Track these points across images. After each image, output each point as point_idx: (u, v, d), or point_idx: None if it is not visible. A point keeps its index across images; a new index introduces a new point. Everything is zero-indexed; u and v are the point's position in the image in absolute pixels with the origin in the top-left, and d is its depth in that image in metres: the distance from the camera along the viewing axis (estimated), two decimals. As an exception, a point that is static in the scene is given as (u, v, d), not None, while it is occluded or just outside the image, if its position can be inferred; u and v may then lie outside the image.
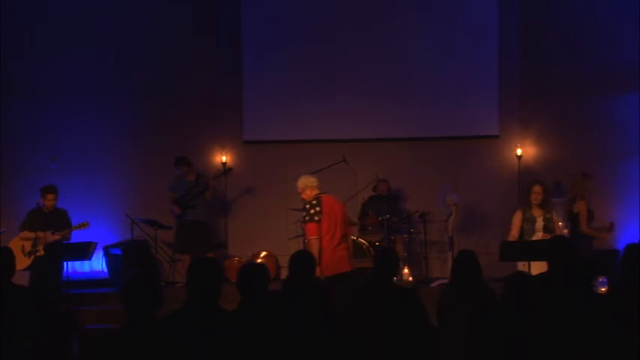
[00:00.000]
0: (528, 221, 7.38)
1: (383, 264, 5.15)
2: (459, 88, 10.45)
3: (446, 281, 9.31)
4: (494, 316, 4.33)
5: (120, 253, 9.68)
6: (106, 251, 9.84)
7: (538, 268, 6.36)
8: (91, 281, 9.72)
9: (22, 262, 8.18)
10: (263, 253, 9.93)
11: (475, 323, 4.38)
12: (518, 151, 10.25)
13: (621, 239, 9.76)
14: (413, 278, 9.25)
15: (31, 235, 8.38)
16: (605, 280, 7.04)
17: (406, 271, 9.09)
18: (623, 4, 10.16)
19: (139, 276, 3.60)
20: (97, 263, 9.85)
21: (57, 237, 8.44)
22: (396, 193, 10.18)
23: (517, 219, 7.50)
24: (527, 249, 6.98)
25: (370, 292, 4.90)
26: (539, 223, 7.38)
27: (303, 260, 5.16)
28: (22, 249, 8.29)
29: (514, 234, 7.50)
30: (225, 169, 10.18)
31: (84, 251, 8.26)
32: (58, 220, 8.58)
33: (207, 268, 3.89)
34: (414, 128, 10.52)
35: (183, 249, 9.66)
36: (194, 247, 9.42)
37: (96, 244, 8.57)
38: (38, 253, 8.31)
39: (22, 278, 7.85)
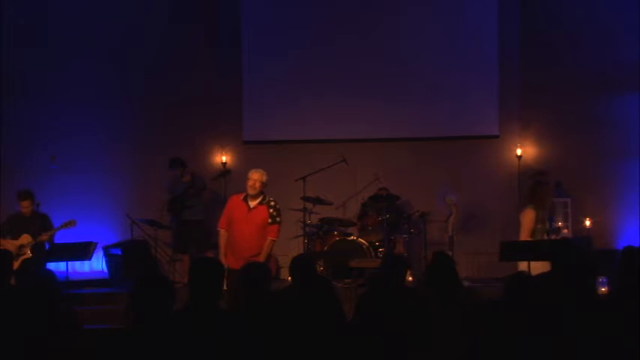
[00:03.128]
0: (541, 222, 7.26)
1: (390, 269, 5.11)
2: (459, 88, 10.45)
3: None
4: (475, 318, 4.32)
5: (120, 253, 9.68)
6: (106, 251, 9.84)
7: (538, 268, 6.32)
8: (91, 281, 9.71)
9: None
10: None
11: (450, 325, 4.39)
12: (518, 151, 10.25)
13: (621, 239, 9.78)
14: (413, 278, 9.24)
15: (5, 242, 8.34)
16: (605, 280, 7.06)
17: (406, 271, 9.08)
18: (623, 4, 10.16)
19: (153, 277, 3.62)
20: (97, 263, 9.86)
21: (43, 238, 8.41)
22: (395, 193, 10.17)
23: (531, 219, 7.08)
24: (527, 249, 6.95)
25: (375, 294, 4.90)
26: (546, 224, 7.29)
27: (305, 265, 5.16)
28: None
29: (528, 235, 7.03)
30: (224, 171, 10.15)
31: (84, 251, 8.25)
32: (40, 224, 8.51)
33: (208, 268, 3.89)
34: (414, 128, 10.52)
35: (183, 249, 9.66)
36: (193, 247, 9.42)
37: (96, 244, 8.56)
38: (25, 256, 8.28)
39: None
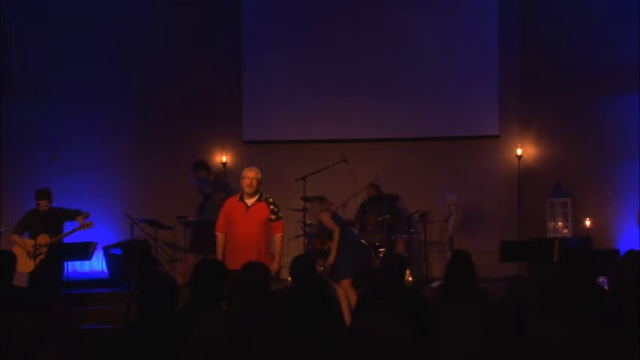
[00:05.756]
0: None
1: (390, 268, 5.13)
2: (459, 89, 10.45)
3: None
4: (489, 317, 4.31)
5: (120, 253, 9.68)
6: (106, 251, 9.84)
7: None
8: (91, 281, 9.72)
9: (27, 266, 8.16)
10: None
11: (469, 325, 4.37)
12: (518, 151, 10.25)
13: (621, 240, 9.77)
14: (413, 278, 9.25)
15: (19, 240, 8.35)
16: (604, 280, 7.05)
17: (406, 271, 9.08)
18: (622, 4, 10.15)
19: (159, 276, 3.64)
20: (97, 263, 9.85)
21: (57, 239, 8.41)
22: (395, 193, 10.17)
23: None
24: (527, 249, 6.96)
25: (376, 295, 4.90)
26: None
27: (305, 265, 5.17)
28: (26, 252, 8.26)
29: None
30: (212, 179, 10.07)
31: (84, 251, 8.26)
32: (57, 220, 8.53)
33: (210, 269, 3.89)
34: (414, 128, 10.52)
35: (193, 249, 9.58)
36: (202, 248, 9.36)
37: (96, 244, 8.56)
38: (43, 256, 8.27)
39: (23, 280, 7.86)
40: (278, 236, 7.24)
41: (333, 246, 7.85)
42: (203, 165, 9.67)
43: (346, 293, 7.70)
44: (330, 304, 4.89)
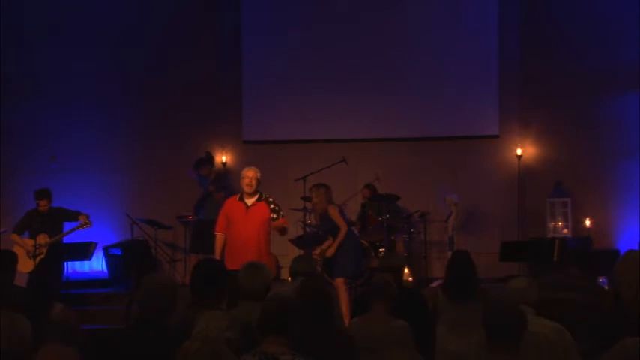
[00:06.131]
0: None
1: (388, 266, 5.14)
2: (459, 88, 10.45)
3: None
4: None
5: (120, 253, 9.68)
6: (106, 251, 9.84)
7: None
8: (91, 281, 9.72)
9: (27, 265, 8.16)
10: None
11: (469, 324, 4.37)
12: (518, 151, 10.25)
13: (621, 239, 9.78)
14: (413, 278, 9.25)
15: (19, 240, 8.37)
16: (604, 280, 7.06)
17: (406, 271, 9.08)
18: (623, 4, 10.15)
19: (159, 276, 3.65)
20: (97, 263, 9.86)
21: (57, 238, 8.42)
22: (394, 193, 10.17)
23: None
24: (527, 249, 6.96)
25: (375, 295, 4.90)
26: None
27: (306, 266, 5.16)
28: (26, 252, 8.26)
29: None
30: (213, 177, 10.05)
31: (84, 251, 8.26)
32: (57, 220, 8.54)
33: (210, 269, 3.89)
34: (414, 128, 10.53)
35: (194, 248, 9.58)
36: (202, 248, 9.36)
37: (96, 244, 8.56)
38: (43, 256, 8.28)
39: (23, 280, 7.85)
40: (282, 222, 7.30)
41: (336, 242, 7.84)
42: (207, 160, 9.65)
43: (338, 291, 7.69)
44: (330, 304, 4.89)
